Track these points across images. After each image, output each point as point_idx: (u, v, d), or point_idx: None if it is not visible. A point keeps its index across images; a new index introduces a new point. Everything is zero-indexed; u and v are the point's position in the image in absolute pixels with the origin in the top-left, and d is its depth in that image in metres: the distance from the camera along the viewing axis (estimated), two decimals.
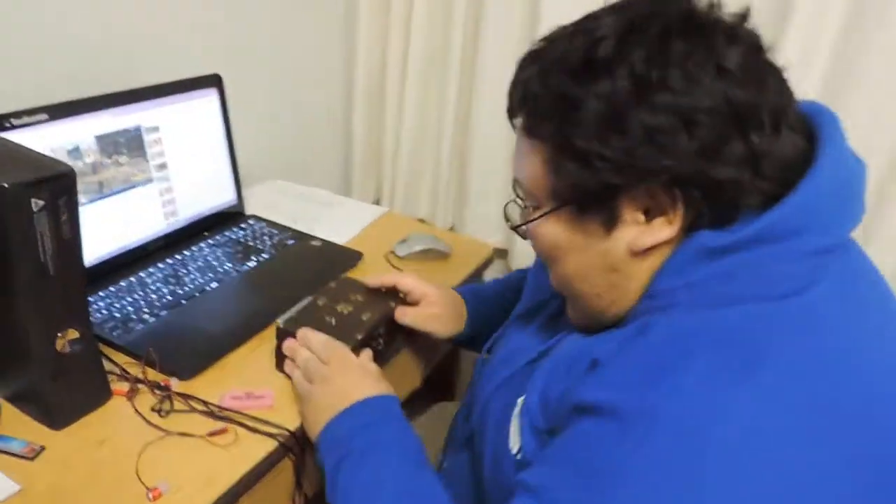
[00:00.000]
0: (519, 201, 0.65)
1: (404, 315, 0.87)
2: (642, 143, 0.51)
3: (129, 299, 0.93)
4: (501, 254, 1.55)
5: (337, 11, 1.52)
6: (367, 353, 0.79)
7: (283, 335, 0.79)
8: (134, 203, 1.00)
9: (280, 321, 0.79)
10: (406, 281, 0.89)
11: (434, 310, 0.89)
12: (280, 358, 0.81)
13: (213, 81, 1.11)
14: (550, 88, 0.55)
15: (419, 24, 1.42)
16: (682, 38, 0.52)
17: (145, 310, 0.91)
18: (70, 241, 0.65)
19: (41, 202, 0.61)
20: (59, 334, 0.69)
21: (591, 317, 0.63)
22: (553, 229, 0.60)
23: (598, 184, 0.54)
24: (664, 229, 0.55)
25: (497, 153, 1.46)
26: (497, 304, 0.94)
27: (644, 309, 0.58)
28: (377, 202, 1.71)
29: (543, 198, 0.59)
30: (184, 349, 0.85)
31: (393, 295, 0.88)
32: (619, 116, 0.52)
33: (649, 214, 0.55)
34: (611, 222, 0.56)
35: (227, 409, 0.76)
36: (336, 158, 1.69)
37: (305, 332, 0.78)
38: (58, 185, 0.63)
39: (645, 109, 0.51)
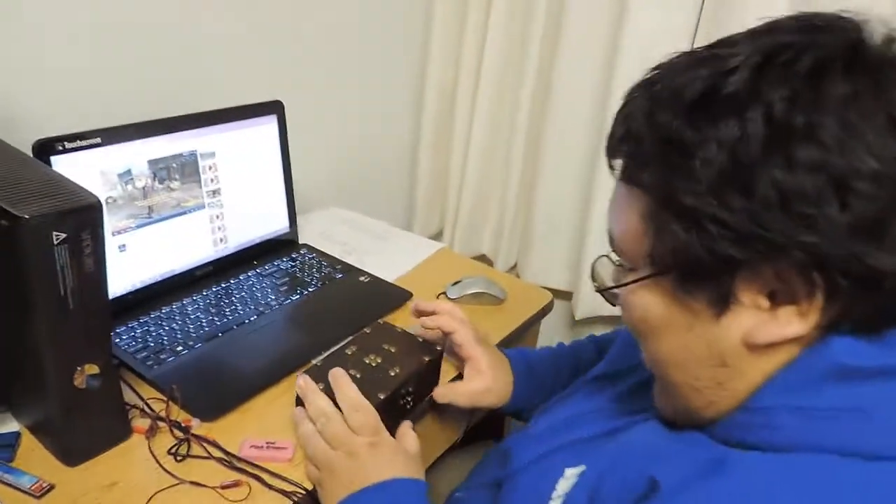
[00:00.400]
0: (612, 257, 0.55)
1: (446, 395, 0.80)
2: (773, 209, 0.40)
3: (167, 328, 0.91)
4: (566, 296, 1.47)
5: (407, 35, 1.49)
6: (407, 427, 0.73)
7: None
8: (184, 228, 0.99)
9: (302, 373, 0.74)
10: (454, 327, 0.82)
11: (480, 384, 0.81)
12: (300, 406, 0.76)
13: (274, 108, 1.10)
14: (658, 128, 0.45)
15: (493, 45, 1.37)
16: (844, 76, 0.40)
17: (180, 340, 0.88)
18: (93, 275, 0.63)
19: (62, 235, 0.59)
20: (78, 369, 0.66)
21: (683, 412, 0.53)
22: (648, 300, 0.49)
23: (710, 253, 0.43)
24: (793, 323, 0.43)
25: (568, 190, 1.38)
26: (548, 377, 0.86)
27: (736, 423, 0.47)
28: (439, 235, 1.66)
29: (640, 260, 0.49)
30: (211, 388, 0.81)
31: (429, 346, 0.81)
32: (745, 171, 0.41)
33: (775, 300, 0.44)
34: (722, 303, 0.45)
35: (244, 460, 0.72)
36: (400, 188, 1.65)
37: (337, 379, 0.69)
38: (81, 218, 0.60)
39: (781, 165, 0.40)
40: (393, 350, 0.79)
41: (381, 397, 0.71)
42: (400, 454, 0.67)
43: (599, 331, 1.50)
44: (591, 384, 0.70)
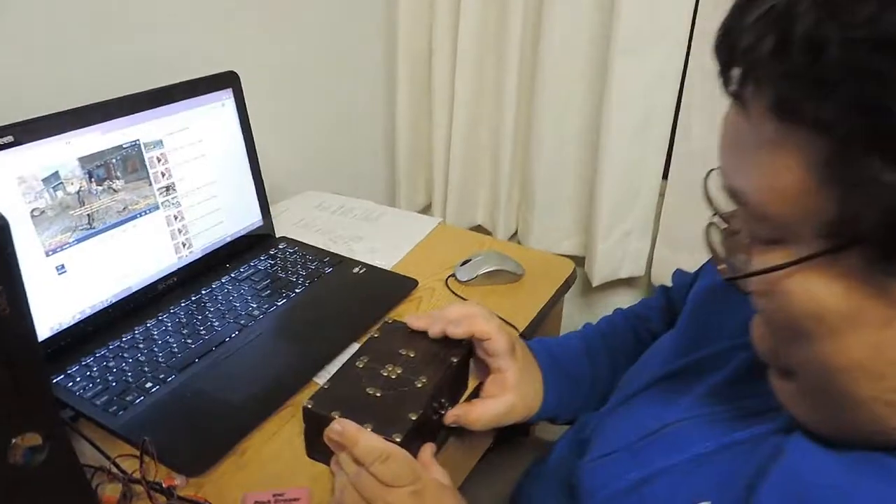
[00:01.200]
0: (726, 224, 0.41)
1: (458, 419, 0.63)
2: None
3: (130, 361, 0.74)
4: (577, 262, 1.33)
5: None
6: (428, 454, 0.58)
7: (313, 420, 0.59)
8: (136, 236, 0.82)
9: (308, 402, 0.58)
10: (490, 333, 0.63)
11: (503, 404, 0.65)
12: (312, 444, 0.60)
13: (229, 81, 0.92)
14: (852, 28, 0.29)
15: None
16: None
17: (148, 374, 0.72)
18: (10, 320, 0.46)
19: None
20: (13, 442, 0.50)
21: (856, 430, 0.39)
22: (819, 287, 0.35)
23: None
24: None
25: (571, 142, 1.23)
26: (584, 375, 0.72)
27: None
28: (427, 209, 1.50)
29: (803, 228, 0.34)
30: (194, 432, 0.65)
31: (452, 343, 0.65)
32: None
33: None
34: None
35: None
36: (378, 162, 1.49)
37: (345, 434, 0.52)
38: None
39: None
40: (412, 355, 0.64)
41: (413, 418, 0.56)
42: (446, 493, 0.53)
43: (619, 297, 1.37)
44: (667, 383, 0.56)
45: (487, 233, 1.41)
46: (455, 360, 0.64)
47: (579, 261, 1.34)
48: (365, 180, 1.46)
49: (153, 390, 0.70)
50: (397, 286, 0.90)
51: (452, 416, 0.63)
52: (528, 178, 1.29)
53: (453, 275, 0.93)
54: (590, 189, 1.23)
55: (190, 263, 0.89)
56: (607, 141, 1.14)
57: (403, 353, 0.64)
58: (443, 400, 0.63)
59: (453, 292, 0.90)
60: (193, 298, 0.85)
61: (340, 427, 0.52)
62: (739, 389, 0.50)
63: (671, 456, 0.48)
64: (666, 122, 1.14)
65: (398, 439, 0.53)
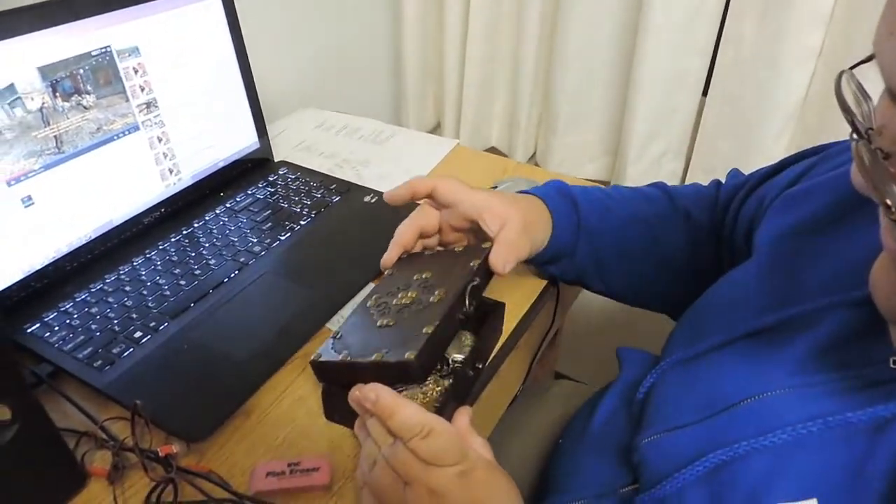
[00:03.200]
0: (871, 143, 0.30)
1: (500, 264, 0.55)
2: None
3: (116, 305, 0.65)
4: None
5: None
6: (465, 416, 0.48)
7: (325, 374, 0.50)
8: (114, 161, 0.71)
9: (316, 355, 0.49)
10: (433, 185, 0.60)
11: (511, 214, 0.58)
12: (331, 404, 0.52)
13: None
14: None
15: None
16: None
17: (137, 321, 0.63)
18: None
19: None
20: None
21: None
22: None
23: None
24: None
25: (599, 54, 1.09)
26: (601, 209, 0.66)
27: None
28: (436, 129, 1.38)
29: None
30: (193, 391, 0.56)
31: (475, 248, 0.57)
32: None
33: None
34: None
35: (261, 501, 0.49)
36: (382, 78, 1.35)
37: (379, 401, 0.43)
38: None
39: None
40: (427, 275, 0.54)
41: (429, 332, 0.46)
42: (496, 475, 0.44)
43: None
44: (748, 343, 0.46)
45: (504, 155, 1.30)
46: (476, 264, 0.54)
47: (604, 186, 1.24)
48: (367, 97, 1.33)
49: (143, 341, 0.61)
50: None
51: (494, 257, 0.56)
52: (550, 91, 1.16)
53: None
54: (622, 103, 1.11)
55: (179, 192, 0.78)
56: (644, 46, 1.01)
57: (417, 277, 0.54)
58: (469, 306, 0.51)
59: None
60: (185, 232, 0.75)
61: (374, 395, 0.43)
62: (845, 355, 0.41)
63: (761, 436, 0.39)
64: (713, 23, 1.01)
65: (412, 357, 0.44)
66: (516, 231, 0.57)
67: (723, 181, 0.69)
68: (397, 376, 0.46)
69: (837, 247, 0.44)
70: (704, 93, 1.07)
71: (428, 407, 0.47)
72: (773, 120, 0.99)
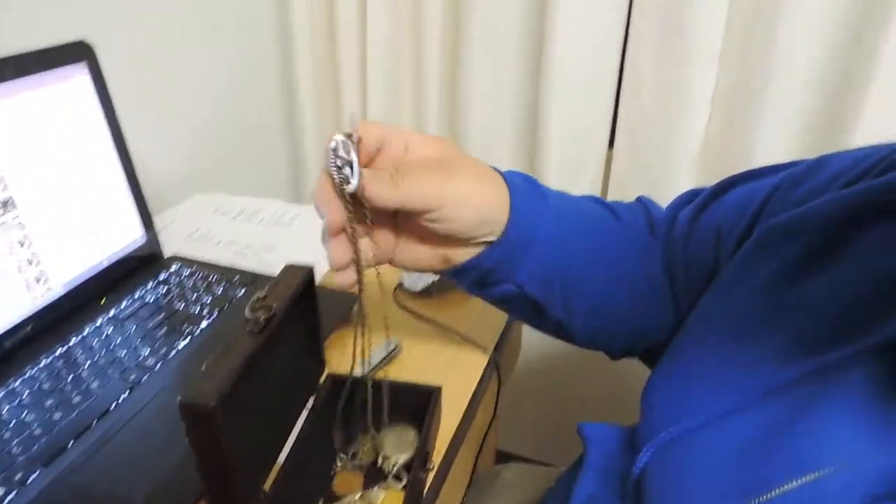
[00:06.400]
0: None
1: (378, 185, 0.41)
2: None
3: None
4: None
5: None
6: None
7: None
8: None
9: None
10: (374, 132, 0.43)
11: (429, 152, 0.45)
12: None
13: (79, 53, 0.69)
14: None
15: None
16: None
17: None
18: None
19: None
20: None
21: None
22: None
23: None
24: None
25: (504, 106, 1.08)
26: (568, 207, 0.53)
27: None
28: None
29: None
30: None
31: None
32: None
33: None
34: None
35: None
36: (278, 153, 1.27)
37: None
38: None
39: None
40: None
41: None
42: None
43: None
44: (768, 404, 0.39)
45: None
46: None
47: None
48: (264, 174, 1.25)
49: (6, 501, 0.48)
50: (332, 304, 0.72)
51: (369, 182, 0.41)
52: (456, 129, 1.13)
53: (400, 284, 0.76)
54: (530, 161, 1.09)
55: (49, 305, 0.66)
56: (547, 105, 1.00)
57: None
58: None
59: (405, 308, 0.73)
60: (59, 352, 0.63)
61: None
62: (852, 323, 0.36)
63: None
64: (612, 76, 1.01)
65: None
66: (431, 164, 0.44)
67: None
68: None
69: (839, 284, 0.39)
70: (611, 145, 1.08)
71: None
72: (678, 165, 0.99)
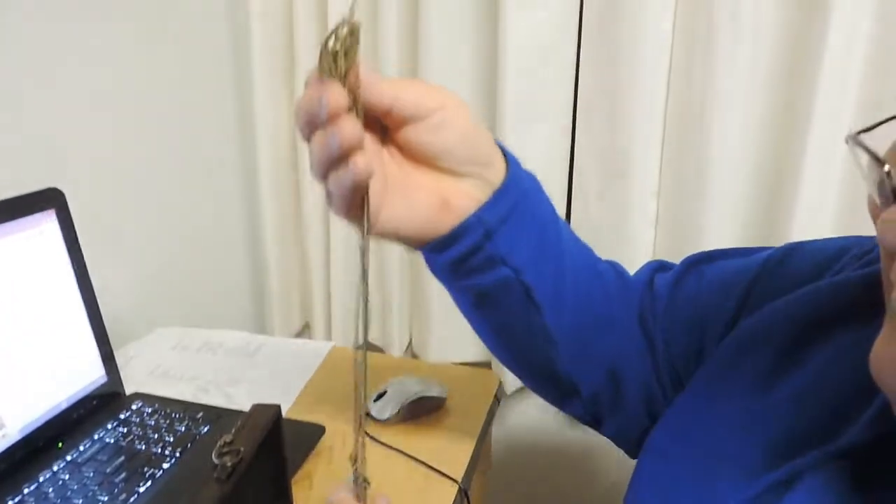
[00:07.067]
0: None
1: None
2: None
3: None
4: (483, 367, 1.20)
5: (224, 86, 1.17)
6: None
7: None
8: None
9: None
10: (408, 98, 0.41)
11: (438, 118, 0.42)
12: None
13: (49, 200, 0.71)
14: None
15: None
16: None
17: None
18: None
19: None
20: None
21: None
22: None
23: None
24: None
25: None
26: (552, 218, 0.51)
27: None
28: (304, 330, 1.31)
29: None
30: None
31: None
32: None
33: None
34: None
35: None
36: (241, 284, 1.29)
37: None
38: None
39: None
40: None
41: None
42: None
43: (534, 406, 1.23)
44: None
45: (379, 349, 1.25)
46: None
47: (484, 366, 1.22)
48: (227, 305, 1.25)
49: None
50: (298, 437, 0.71)
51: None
52: (418, 277, 1.16)
53: (367, 413, 0.76)
54: None
55: (3, 452, 0.64)
56: None
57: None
58: None
59: (372, 437, 0.73)
60: (13, 503, 0.60)
61: None
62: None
63: None
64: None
65: None
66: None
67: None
68: None
69: (808, 391, 0.41)
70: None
71: None
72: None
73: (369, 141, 0.41)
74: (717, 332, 0.50)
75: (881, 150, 0.29)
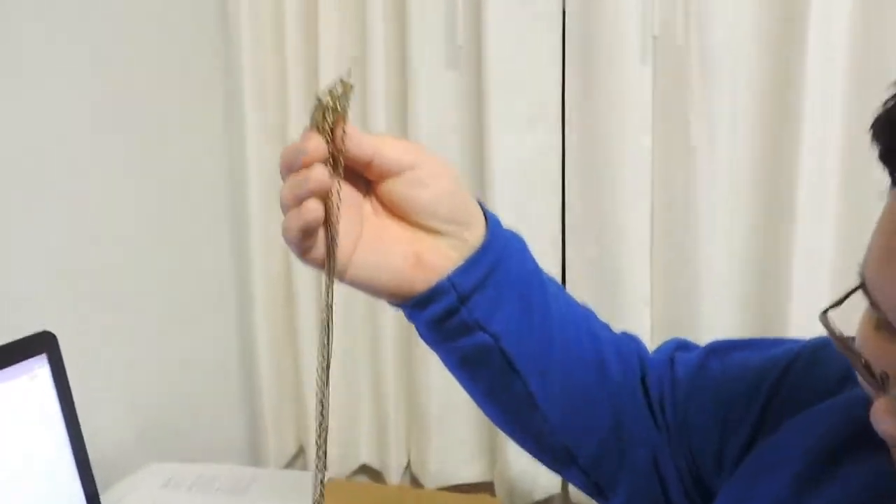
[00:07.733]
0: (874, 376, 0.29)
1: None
2: None
3: None
4: (485, 487, 1.17)
5: (219, 215, 1.20)
6: None
7: None
8: None
9: None
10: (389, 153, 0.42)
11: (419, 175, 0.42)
12: None
13: (42, 345, 0.71)
14: None
15: None
16: None
17: None
18: None
19: None
20: None
21: None
22: None
23: None
24: None
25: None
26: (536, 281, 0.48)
27: None
28: (299, 456, 1.28)
29: None
30: None
31: None
32: None
33: None
34: None
35: None
36: (233, 413, 1.26)
37: None
38: None
39: None
40: None
41: None
42: None
43: None
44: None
45: (376, 472, 1.22)
46: None
47: (486, 487, 1.18)
48: (219, 438, 1.22)
49: None
50: None
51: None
52: (414, 397, 1.15)
53: None
54: None
55: None
56: None
57: None
58: None
59: None
60: None
61: None
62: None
63: None
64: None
65: None
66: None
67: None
68: None
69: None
70: None
71: None
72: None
73: (350, 191, 0.42)
74: (739, 440, 0.48)
75: (855, 321, 0.31)
